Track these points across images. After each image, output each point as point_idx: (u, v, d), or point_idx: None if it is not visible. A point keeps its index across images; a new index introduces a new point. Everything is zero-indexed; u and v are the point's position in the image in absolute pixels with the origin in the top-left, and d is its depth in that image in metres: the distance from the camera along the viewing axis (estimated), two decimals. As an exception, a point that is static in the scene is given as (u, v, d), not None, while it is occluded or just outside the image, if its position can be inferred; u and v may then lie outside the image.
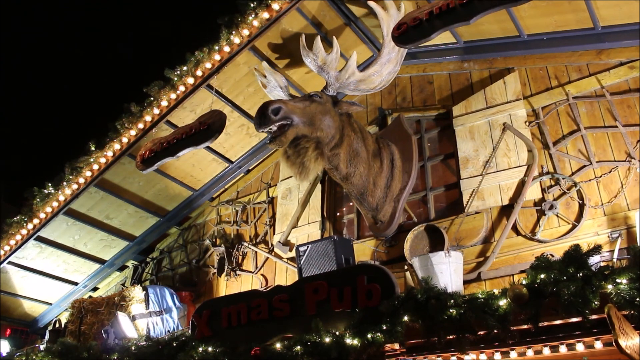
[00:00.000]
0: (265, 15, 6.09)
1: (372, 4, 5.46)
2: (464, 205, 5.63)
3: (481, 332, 3.78)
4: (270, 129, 4.94)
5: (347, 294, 4.44)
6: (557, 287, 3.50)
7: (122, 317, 6.35)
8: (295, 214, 6.86)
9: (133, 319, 6.54)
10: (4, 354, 7.78)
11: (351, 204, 6.65)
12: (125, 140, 7.01)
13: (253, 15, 6.13)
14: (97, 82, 19.38)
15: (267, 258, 7.04)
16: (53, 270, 8.38)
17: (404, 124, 6.26)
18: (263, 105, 4.93)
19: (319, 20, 6.42)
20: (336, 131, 5.36)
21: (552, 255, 4.55)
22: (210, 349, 4.81)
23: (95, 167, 7.17)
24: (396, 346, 4.08)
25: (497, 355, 4.00)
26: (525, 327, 3.68)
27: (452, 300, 3.85)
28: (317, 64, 5.37)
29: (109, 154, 7.10)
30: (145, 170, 6.42)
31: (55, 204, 7.46)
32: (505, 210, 5.42)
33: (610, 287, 3.37)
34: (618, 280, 3.35)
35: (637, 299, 3.24)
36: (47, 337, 7.76)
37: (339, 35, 6.62)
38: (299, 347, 4.23)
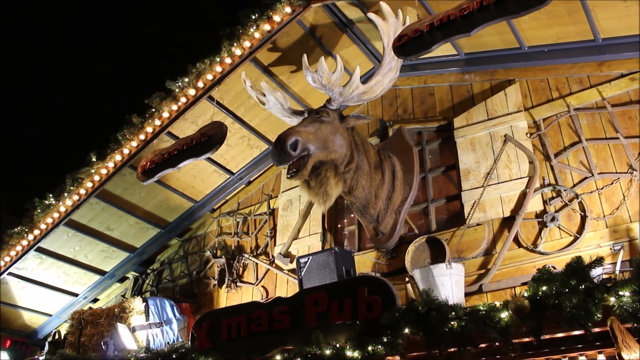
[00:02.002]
0: (267, 27, 6.11)
1: (371, 15, 5.44)
2: (465, 217, 5.61)
3: (483, 345, 3.76)
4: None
5: (348, 306, 4.41)
6: (559, 300, 3.48)
7: (121, 328, 6.32)
8: (296, 225, 6.85)
9: (133, 330, 6.50)
10: (4, 365, 7.75)
11: (352, 215, 6.63)
12: (126, 151, 7.02)
13: (254, 27, 6.15)
14: (98, 93, 19.46)
15: (268, 270, 7.01)
16: (53, 282, 8.36)
17: (405, 136, 6.26)
18: (280, 140, 4.89)
19: (320, 31, 6.45)
20: (347, 149, 5.39)
21: (554, 268, 4.55)
22: (209, 361, 4.79)
23: (96, 178, 7.18)
24: (397, 359, 4.04)
25: (499, 368, 3.96)
26: (527, 339, 3.67)
27: (454, 313, 3.84)
28: (322, 83, 5.33)
29: (110, 165, 7.10)
30: (146, 182, 6.42)
31: (56, 214, 7.46)
32: (507, 222, 5.40)
33: (612, 299, 3.35)
34: (621, 293, 3.33)
35: (640, 312, 3.22)
36: (46, 348, 7.70)
37: (339, 46, 6.64)
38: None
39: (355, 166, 5.53)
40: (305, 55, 5.39)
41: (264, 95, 5.84)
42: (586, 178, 5.21)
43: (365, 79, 5.66)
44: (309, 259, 5.51)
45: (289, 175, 5.04)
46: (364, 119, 5.53)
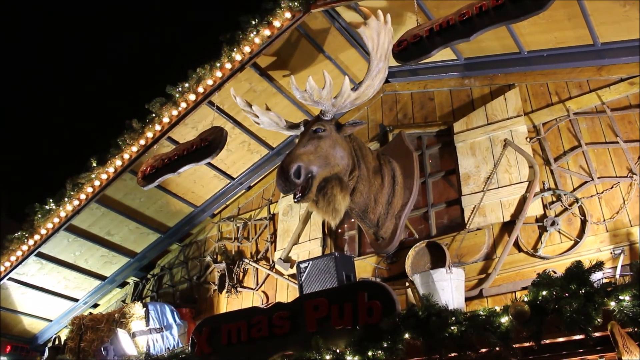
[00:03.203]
0: (267, 32, 6.11)
1: (352, 24, 5.29)
2: (466, 222, 5.61)
3: (483, 350, 3.75)
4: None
5: (348, 311, 4.42)
6: (560, 304, 3.48)
7: (122, 334, 6.32)
8: (297, 230, 6.84)
9: (133, 336, 6.50)
10: (4, 371, 7.74)
11: (352, 220, 6.62)
12: (126, 156, 7.02)
13: (254, 33, 6.16)
14: (99, 98, 19.48)
15: (268, 275, 7.00)
16: (53, 287, 8.35)
17: (405, 141, 6.26)
18: (283, 170, 4.84)
19: (319, 36, 6.45)
20: (348, 158, 5.36)
21: (554, 272, 4.54)
22: (209, 366, 4.79)
23: (97, 183, 7.18)
24: (397, 364, 4.04)
25: (499, 373, 3.96)
26: (527, 344, 3.66)
27: (454, 318, 3.83)
28: (313, 100, 5.23)
29: (111, 170, 7.10)
30: (147, 187, 6.44)
31: (56, 220, 7.46)
32: (507, 227, 5.40)
33: (613, 304, 3.35)
34: (621, 297, 3.33)
35: (641, 316, 3.22)
36: (46, 354, 7.71)
37: (339, 50, 6.65)
38: (299, 365, 4.21)
39: (358, 173, 5.52)
40: (292, 77, 5.29)
41: (257, 117, 5.75)
42: (586, 182, 5.20)
43: (357, 86, 5.57)
44: (309, 264, 5.51)
45: (295, 200, 4.99)
46: (360, 124, 5.43)
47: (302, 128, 5.48)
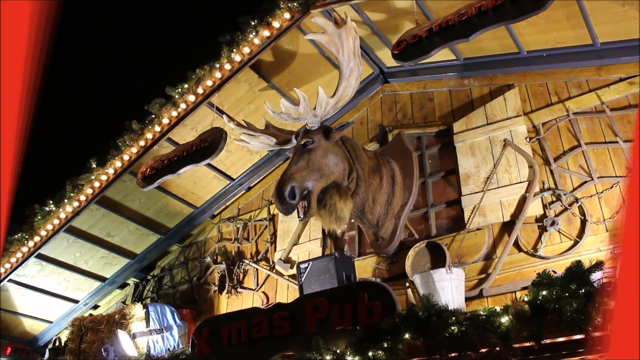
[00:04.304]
0: (266, 33, 6.12)
1: (310, 36, 5.24)
2: (465, 222, 5.61)
3: (483, 350, 3.75)
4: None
5: (348, 312, 4.42)
6: (560, 304, 3.48)
7: (122, 335, 6.32)
8: (297, 231, 6.84)
9: (133, 337, 6.50)
10: (4, 372, 7.74)
11: (352, 221, 6.61)
12: (126, 157, 7.02)
13: (254, 33, 6.16)
14: (98, 100, 19.49)
15: (268, 275, 7.01)
16: (54, 288, 8.36)
17: (404, 141, 6.26)
18: (278, 192, 4.87)
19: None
20: (343, 162, 5.34)
21: (554, 272, 4.53)
22: (210, 367, 4.79)
23: (97, 184, 7.18)
24: (397, 364, 4.04)
25: (500, 373, 3.95)
26: (527, 344, 3.66)
27: (454, 318, 3.84)
28: (293, 118, 5.22)
29: (110, 171, 7.11)
30: (146, 188, 6.45)
31: (56, 221, 7.46)
32: (507, 227, 5.40)
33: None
34: (621, 297, 3.32)
35: (640, 316, 3.21)
36: (47, 355, 7.71)
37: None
38: (299, 366, 4.21)
39: (355, 174, 5.51)
40: (266, 102, 5.24)
41: (249, 143, 5.78)
42: (586, 182, 5.20)
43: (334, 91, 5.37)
44: (309, 264, 5.51)
45: (300, 219, 5.02)
46: (347, 126, 5.35)
47: (294, 141, 5.48)
